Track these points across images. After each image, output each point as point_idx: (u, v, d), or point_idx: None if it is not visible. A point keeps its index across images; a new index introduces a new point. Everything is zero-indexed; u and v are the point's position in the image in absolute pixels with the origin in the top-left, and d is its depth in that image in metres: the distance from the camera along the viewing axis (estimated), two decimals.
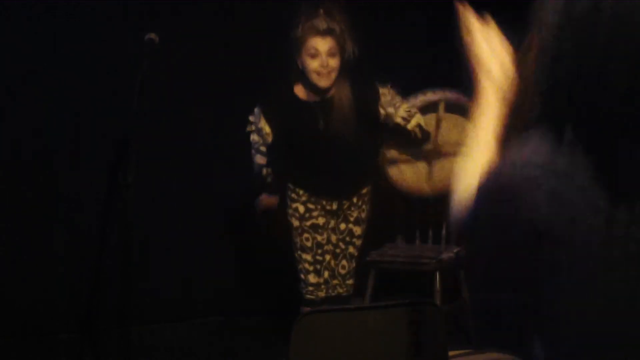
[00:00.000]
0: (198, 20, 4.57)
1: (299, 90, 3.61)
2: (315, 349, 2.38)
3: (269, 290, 4.78)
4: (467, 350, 3.22)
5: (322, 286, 3.66)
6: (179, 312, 4.66)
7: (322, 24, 3.44)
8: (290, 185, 3.68)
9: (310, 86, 3.54)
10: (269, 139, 3.62)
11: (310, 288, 3.64)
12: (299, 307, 3.60)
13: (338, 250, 3.71)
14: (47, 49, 4.34)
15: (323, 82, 3.49)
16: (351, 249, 3.74)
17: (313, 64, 3.47)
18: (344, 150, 3.58)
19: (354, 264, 3.76)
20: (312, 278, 3.64)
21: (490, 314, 4.41)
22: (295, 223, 3.66)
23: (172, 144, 4.56)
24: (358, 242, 3.76)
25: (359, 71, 3.60)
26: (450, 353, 2.63)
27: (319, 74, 3.47)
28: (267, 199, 3.76)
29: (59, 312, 4.38)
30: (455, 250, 4.15)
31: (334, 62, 3.47)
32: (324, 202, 3.67)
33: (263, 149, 3.65)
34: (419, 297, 4.74)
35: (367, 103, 3.59)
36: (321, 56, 3.45)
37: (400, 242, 4.36)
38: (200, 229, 4.67)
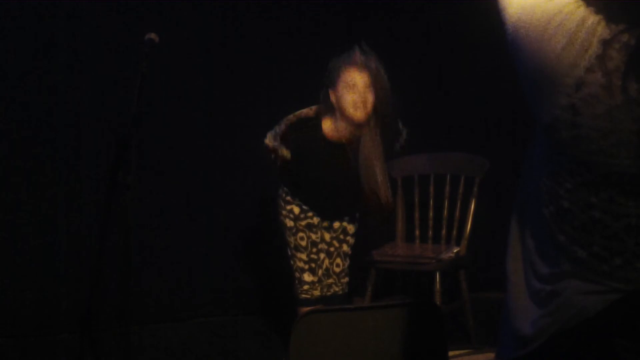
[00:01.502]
0: (198, 20, 4.57)
1: (328, 126, 3.55)
2: (315, 349, 2.38)
3: (269, 290, 4.78)
4: (467, 350, 3.22)
5: (317, 285, 3.66)
6: (179, 312, 4.66)
7: (359, 58, 3.43)
8: (285, 189, 3.68)
9: (345, 120, 3.48)
10: (288, 158, 3.61)
11: (306, 287, 3.64)
12: (297, 308, 3.60)
13: (332, 249, 3.72)
14: (47, 49, 4.34)
15: (359, 115, 3.43)
16: (345, 247, 3.74)
17: (350, 96, 3.43)
18: (355, 186, 3.58)
19: (348, 262, 3.76)
20: (307, 277, 3.64)
21: (490, 314, 4.42)
22: (290, 223, 3.65)
23: (172, 144, 4.56)
24: (352, 241, 3.76)
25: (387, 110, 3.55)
26: (450, 353, 2.63)
27: (355, 107, 3.43)
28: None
29: (59, 312, 4.38)
30: (455, 250, 4.15)
31: (370, 97, 3.44)
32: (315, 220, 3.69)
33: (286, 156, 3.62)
34: (419, 297, 4.76)
35: (389, 142, 3.57)
36: (359, 88, 3.42)
37: (400, 242, 4.37)
38: (200, 229, 4.67)
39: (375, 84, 3.44)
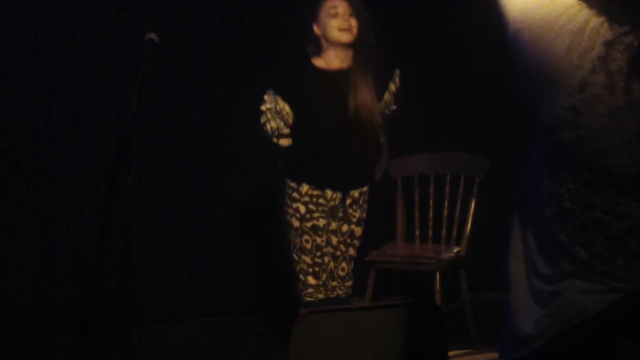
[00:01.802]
0: (198, 20, 4.57)
1: (318, 62, 3.63)
2: (315, 349, 2.38)
3: (269, 290, 4.78)
4: (467, 350, 3.22)
5: (321, 288, 3.65)
6: (179, 312, 4.65)
7: None
8: (291, 184, 3.63)
9: (332, 46, 3.57)
10: (290, 119, 3.57)
11: (310, 290, 3.63)
12: (298, 309, 3.59)
13: (338, 253, 3.70)
14: (47, 49, 4.34)
15: (346, 37, 3.54)
16: (351, 251, 3.73)
17: (334, 22, 3.54)
18: (364, 132, 3.57)
19: (352, 265, 3.75)
20: (311, 280, 3.63)
21: (490, 314, 4.41)
22: (295, 224, 3.63)
23: (172, 144, 4.56)
24: (357, 244, 3.75)
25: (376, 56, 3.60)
26: (450, 353, 2.63)
27: (340, 29, 3.54)
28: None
29: (59, 312, 4.38)
30: (455, 250, 4.15)
31: (354, 22, 3.55)
32: (327, 196, 3.62)
33: (286, 130, 3.57)
34: (419, 297, 4.76)
35: (378, 76, 3.61)
36: (342, 15, 3.53)
37: (400, 242, 4.37)
38: (200, 229, 4.67)
39: (356, 13, 3.55)
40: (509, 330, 1.66)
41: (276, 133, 3.56)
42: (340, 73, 3.58)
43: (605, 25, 1.42)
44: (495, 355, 2.75)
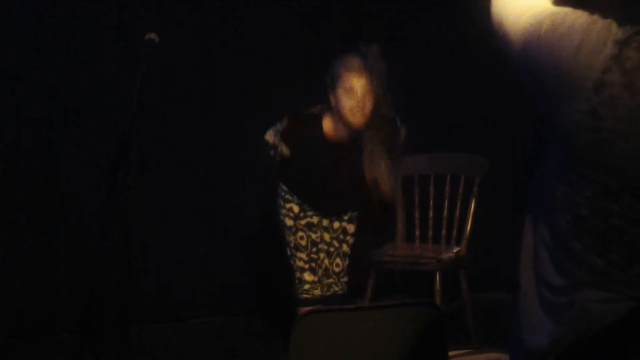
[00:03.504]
0: (198, 20, 4.57)
1: (328, 125, 3.57)
2: (315, 349, 2.38)
3: (269, 290, 4.78)
4: (467, 350, 3.22)
5: (317, 285, 3.66)
6: (179, 312, 4.66)
7: (358, 62, 3.43)
8: (284, 187, 3.68)
9: (343, 124, 3.51)
10: (287, 154, 3.61)
11: (306, 287, 3.64)
12: (296, 309, 3.60)
13: (332, 249, 3.72)
14: (47, 49, 4.34)
15: (357, 120, 3.46)
16: (344, 247, 3.75)
17: (349, 102, 3.44)
18: (354, 185, 3.60)
19: (347, 262, 3.77)
20: (307, 276, 3.64)
21: (490, 314, 4.42)
22: (289, 222, 3.65)
23: (172, 144, 4.56)
24: (351, 240, 3.77)
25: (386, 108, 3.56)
26: (450, 353, 2.63)
27: (353, 112, 3.45)
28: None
29: (59, 312, 4.38)
30: (455, 250, 4.15)
31: (369, 102, 3.45)
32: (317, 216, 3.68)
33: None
34: (419, 297, 4.76)
35: (390, 139, 3.58)
36: (357, 94, 3.43)
37: (400, 242, 4.37)
38: (200, 229, 4.67)
39: (373, 87, 3.44)
40: (518, 342, 1.63)
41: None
42: (347, 144, 3.56)
43: (614, 24, 1.41)
44: (496, 355, 2.75)
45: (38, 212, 4.40)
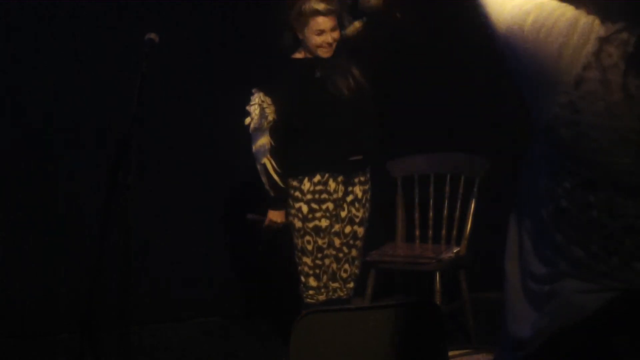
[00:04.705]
0: (198, 20, 4.57)
1: (298, 55, 3.68)
2: (315, 349, 2.38)
3: (269, 290, 4.78)
4: (467, 350, 3.22)
5: (322, 290, 3.65)
6: (179, 312, 4.66)
7: (323, 5, 3.54)
8: (294, 182, 3.64)
9: (312, 55, 3.64)
10: (271, 116, 3.65)
11: (311, 292, 3.63)
12: (299, 310, 3.59)
13: (341, 255, 3.70)
14: (47, 49, 4.34)
15: (326, 53, 3.59)
16: (354, 252, 3.73)
17: (319, 40, 3.56)
18: (353, 105, 3.62)
19: (355, 268, 3.75)
20: (312, 281, 3.63)
21: (490, 314, 4.41)
22: (298, 224, 3.63)
23: (172, 144, 4.56)
24: (360, 245, 3.76)
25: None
26: (450, 353, 2.63)
27: (322, 47, 3.57)
28: (273, 215, 3.68)
29: (59, 312, 4.38)
30: (455, 250, 4.15)
31: (336, 35, 3.58)
32: (330, 189, 3.61)
33: (266, 124, 3.67)
34: (419, 297, 4.76)
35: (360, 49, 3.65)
36: (326, 33, 3.55)
37: (400, 242, 4.37)
38: (200, 229, 4.66)
39: (338, 15, 3.58)
40: (505, 332, 1.66)
41: (257, 131, 3.71)
42: (321, 59, 3.62)
43: (597, 22, 1.43)
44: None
45: (38, 212, 4.40)
